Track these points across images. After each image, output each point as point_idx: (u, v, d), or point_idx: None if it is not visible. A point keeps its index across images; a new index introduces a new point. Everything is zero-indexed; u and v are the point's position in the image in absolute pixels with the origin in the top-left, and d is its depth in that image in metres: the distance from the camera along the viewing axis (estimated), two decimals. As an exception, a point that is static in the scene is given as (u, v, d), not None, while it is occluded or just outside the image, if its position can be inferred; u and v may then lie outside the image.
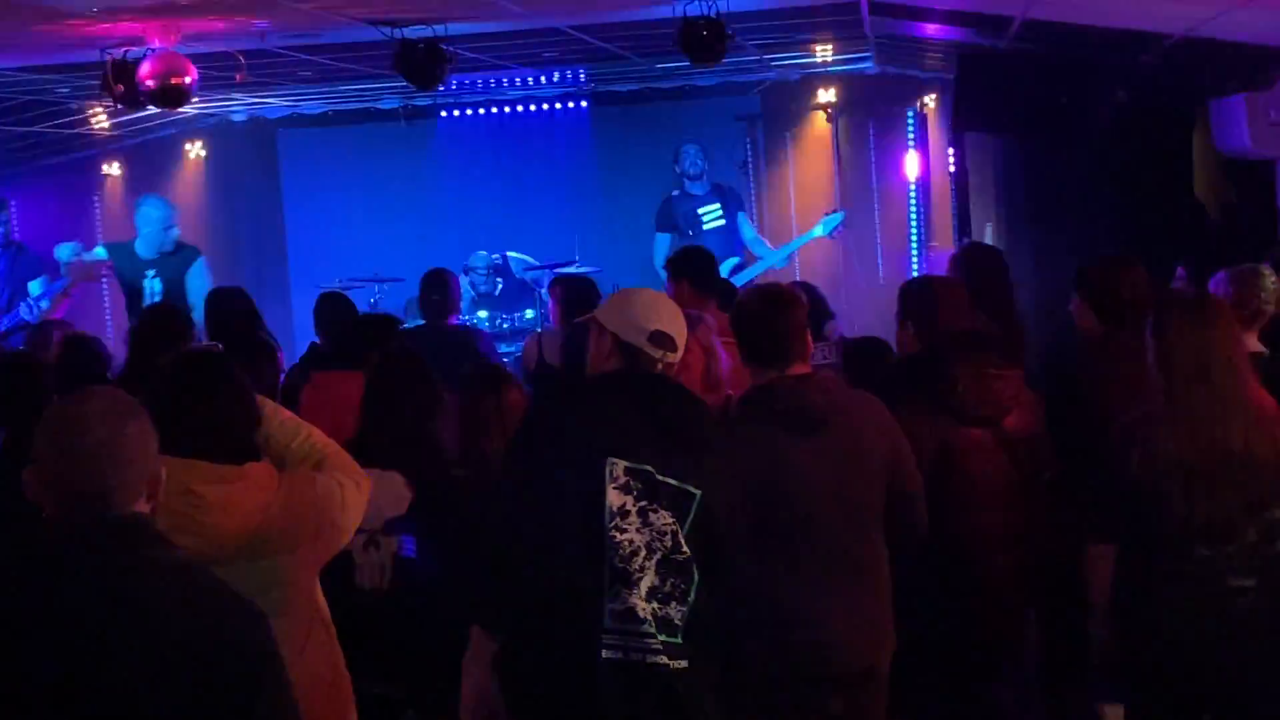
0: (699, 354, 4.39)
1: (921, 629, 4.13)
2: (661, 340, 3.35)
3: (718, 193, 10.32)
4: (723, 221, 10.16)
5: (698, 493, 3.22)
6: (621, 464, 3.18)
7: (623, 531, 3.17)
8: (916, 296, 4.92)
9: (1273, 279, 5.19)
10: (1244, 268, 5.51)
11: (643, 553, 3.18)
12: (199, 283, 8.76)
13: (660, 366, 3.35)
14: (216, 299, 6.59)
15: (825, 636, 3.79)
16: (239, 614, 2.51)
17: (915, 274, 11.39)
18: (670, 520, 3.20)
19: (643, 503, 3.19)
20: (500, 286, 10.96)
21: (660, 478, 3.20)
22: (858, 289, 11.14)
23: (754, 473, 3.66)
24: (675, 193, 10.34)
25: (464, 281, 11.20)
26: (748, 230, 10.41)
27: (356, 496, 3.40)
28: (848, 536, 3.85)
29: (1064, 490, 4.54)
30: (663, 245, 10.38)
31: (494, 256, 10.99)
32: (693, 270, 6.04)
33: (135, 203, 9.57)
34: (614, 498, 3.18)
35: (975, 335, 4.71)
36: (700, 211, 10.22)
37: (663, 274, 9.95)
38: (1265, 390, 3.92)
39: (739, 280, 9.83)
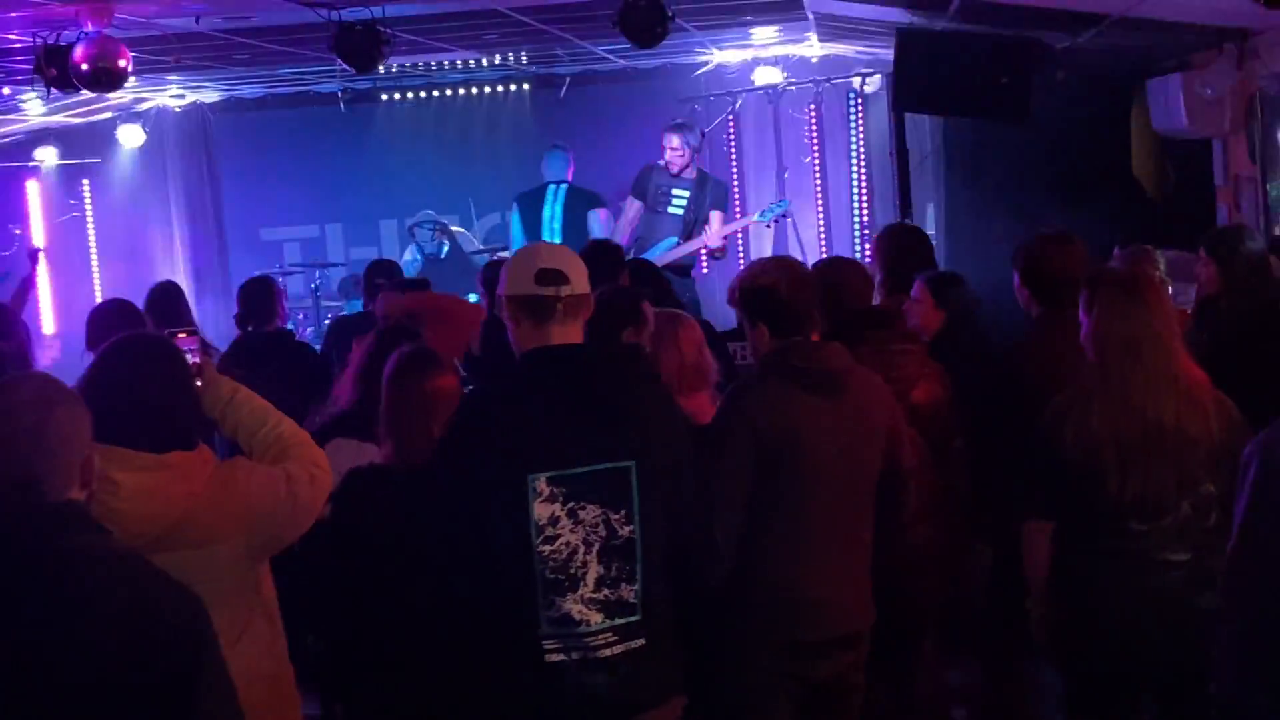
0: (674, 353, 4.40)
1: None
2: (547, 277, 3.31)
3: (699, 184, 10.18)
4: (681, 211, 10.10)
5: (630, 464, 3.24)
6: (543, 478, 3.19)
7: (553, 541, 3.21)
8: (821, 278, 4.96)
9: (1160, 259, 5.30)
10: (1133, 247, 5.63)
11: (580, 550, 3.22)
12: None
13: (561, 306, 3.30)
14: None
15: (824, 596, 3.83)
16: (175, 601, 2.49)
17: (859, 254, 11.44)
18: (598, 511, 3.23)
19: (570, 504, 3.22)
20: (446, 249, 10.91)
21: (586, 469, 3.22)
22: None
23: (770, 428, 3.75)
24: (659, 162, 10.22)
25: (410, 248, 11.18)
26: (713, 224, 10.19)
27: (309, 490, 3.34)
28: (849, 501, 3.90)
29: (981, 465, 4.62)
30: (629, 209, 10.34)
31: (440, 218, 10.92)
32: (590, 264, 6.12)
33: None
34: (540, 511, 3.20)
35: (878, 313, 4.82)
36: (674, 192, 10.14)
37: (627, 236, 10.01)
38: (1196, 364, 3.96)
39: (655, 253, 9.84)
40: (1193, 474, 3.81)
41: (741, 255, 11.67)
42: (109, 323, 6.03)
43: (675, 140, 9.98)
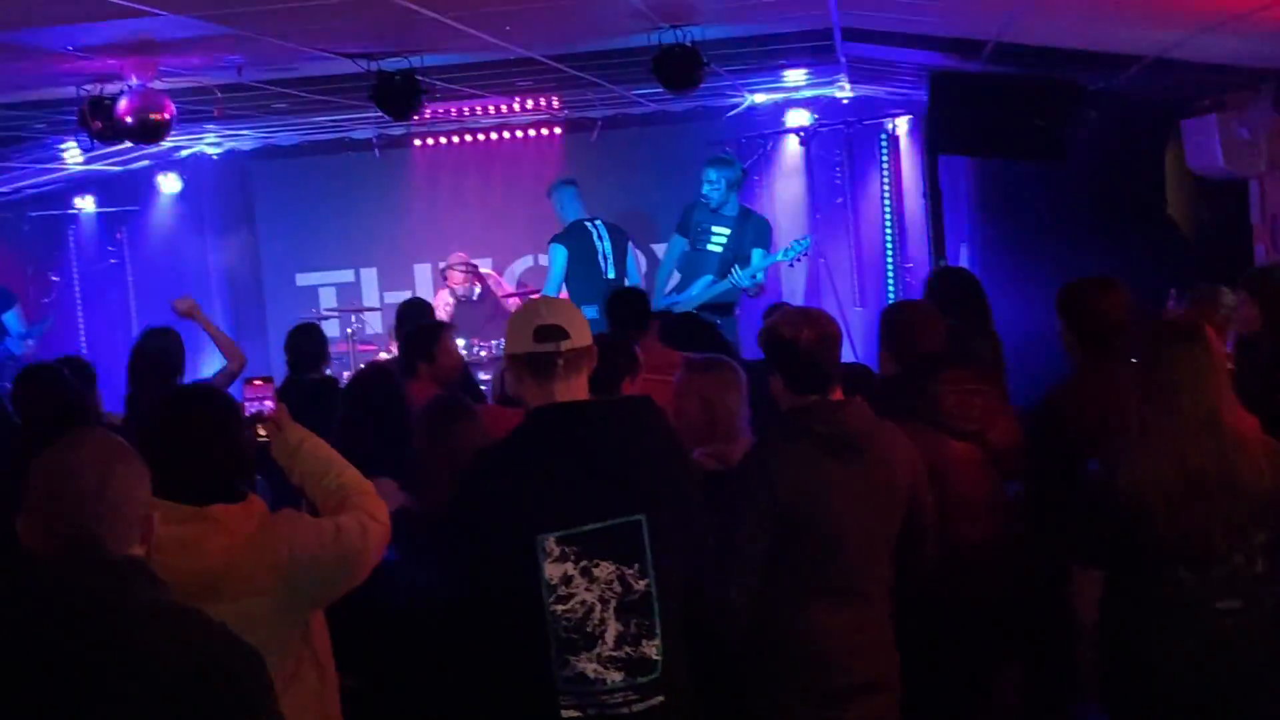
0: (695, 401, 4.39)
1: (917, 638, 4.15)
2: (545, 333, 3.30)
3: (739, 221, 10.20)
4: (721, 249, 10.13)
5: (641, 517, 3.23)
6: (553, 537, 3.17)
7: (566, 600, 3.19)
8: (892, 321, 4.97)
9: (1230, 298, 5.27)
10: (1204, 287, 5.60)
11: (597, 608, 3.21)
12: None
13: (562, 361, 3.28)
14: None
15: (845, 644, 3.82)
16: (235, 654, 2.51)
17: (892, 296, 11.44)
18: (612, 568, 3.21)
19: (584, 562, 3.20)
20: (478, 292, 10.97)
21: (597, 526, 3.20)
22: (834, 312, 11.13)
23: (788, 492, 3.73)
24: (701, 199, 10.30)
25: (443, 291, 11.24)
26: (756, 260, 10.17)
27: (360, 541, 3.35)
28: (869, 557, 3.88)
29: (1033, 510, 4.60)
30: (675, 246, 10.42)
31: (472, 260, 10.99)
32: (616, 315, 6.25)
33: None
34: (551, 571, 3.18)
35: (953, 354, 4.77)
36: (713, 229, 10.18)
37: (676, 274, 10.03)
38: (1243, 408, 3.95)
39: (692, 292, 9.87)
40: (1242, 522, 3.79)
41: (775, 297, 11.69)
42: (148, 365, 6.12)
43: (712, 174, 10.05)
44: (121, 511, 2.51)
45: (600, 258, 10.29)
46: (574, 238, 10.33)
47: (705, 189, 10.09)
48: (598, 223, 10.39)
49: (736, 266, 10.02)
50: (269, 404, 3.50)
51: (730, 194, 10.11)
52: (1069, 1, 5.62)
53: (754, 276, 10.00)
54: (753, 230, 10.15)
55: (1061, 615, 4.24)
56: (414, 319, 7.34)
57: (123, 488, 2.53)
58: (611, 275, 10.23)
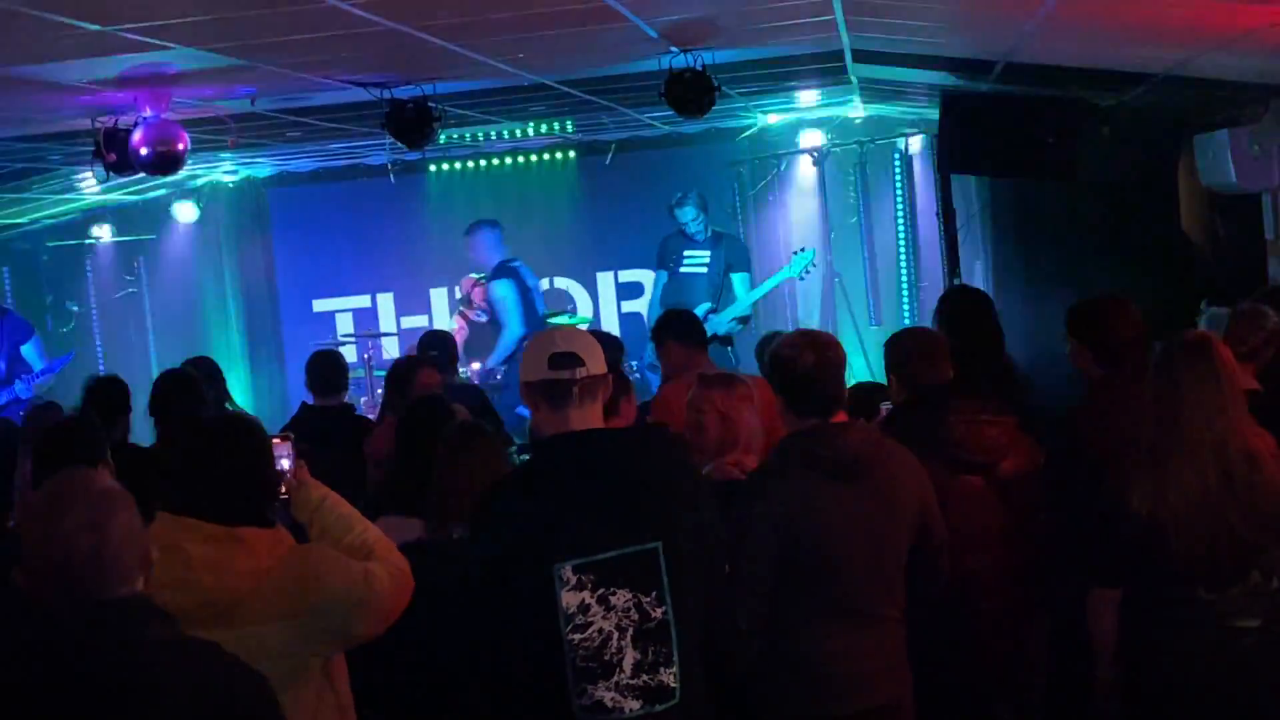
0: (714, 417, 4.45)
1: (923, 669, 4.15)
2: (561, 361, 3.30)
3: (712, 243, 10.32)
4: (703, 270, 10.20)
5: (657, 544, 3.22)
6: (569, 566, 3.17)
7: (584, 629, 3.18)
8: (897, 349, 4.97)
9: (1274, 318, 5.24)
10: (1246, 305, 5.54)
11: (615, 636, 3.20)
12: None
13: (577, 389, 3.28)
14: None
15: (854, 670, 3.83)
16: (246, 684, 2.53)
17: (907, 315, 11.44)
18: (629, 596, 3.20)
19: (600, 590, 3.19)
20: (486, 317, 11.03)
21: (613, 554, 3.19)
22: (849, 333, 11.17)
23: (792, 517, 3.75)
24: (673, 231, 10.42)
25: (456, 315, 11.30)
26: (739, 289, 10.34)
27: (390, 587, 3.36)
28: (876, 582, 3.89)
29: (1059, 534, 4.56)
30: (657, 281, 10.57)
31: (482, 279, 11.10)
32: (674, 331, 6.35)
33: None
34: (568, 600, 3.17)
35: (966, 383, 4.75)
36: (686, 253, 10.30)
37: (657, 308, 10.09)
38: (1262, 428, 3.94)
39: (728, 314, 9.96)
40: (1257, 540, 3.78)
41: (788, 316, 11.71)
42: (168, 391, 6.16)
43: (685, 214, 10.32)
44: (122, 553, 2.54)
45: (535, 293, 10.73)
46: (511, 275, 10.72)
47: (687, 226, 10.34)
48: (518, 261, 10.82)
49: (719, 315, 10.05)
50: (288, 461, 3.52)
51: (703, 217, 10.34)
52: (1076, 23, 5.62)
53: (740, 315, 10.17)
54: (726, 251, 10.28)
55: (1076, 642, 4.24)
56: (436, 348, 7.41)
57: (123, 532, 2.55)
58: (544, 310, 10.73)
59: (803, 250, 10.59)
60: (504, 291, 10.68)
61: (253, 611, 3.14)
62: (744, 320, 10.32)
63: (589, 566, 3.18)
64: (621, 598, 3.20)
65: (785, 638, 3.79)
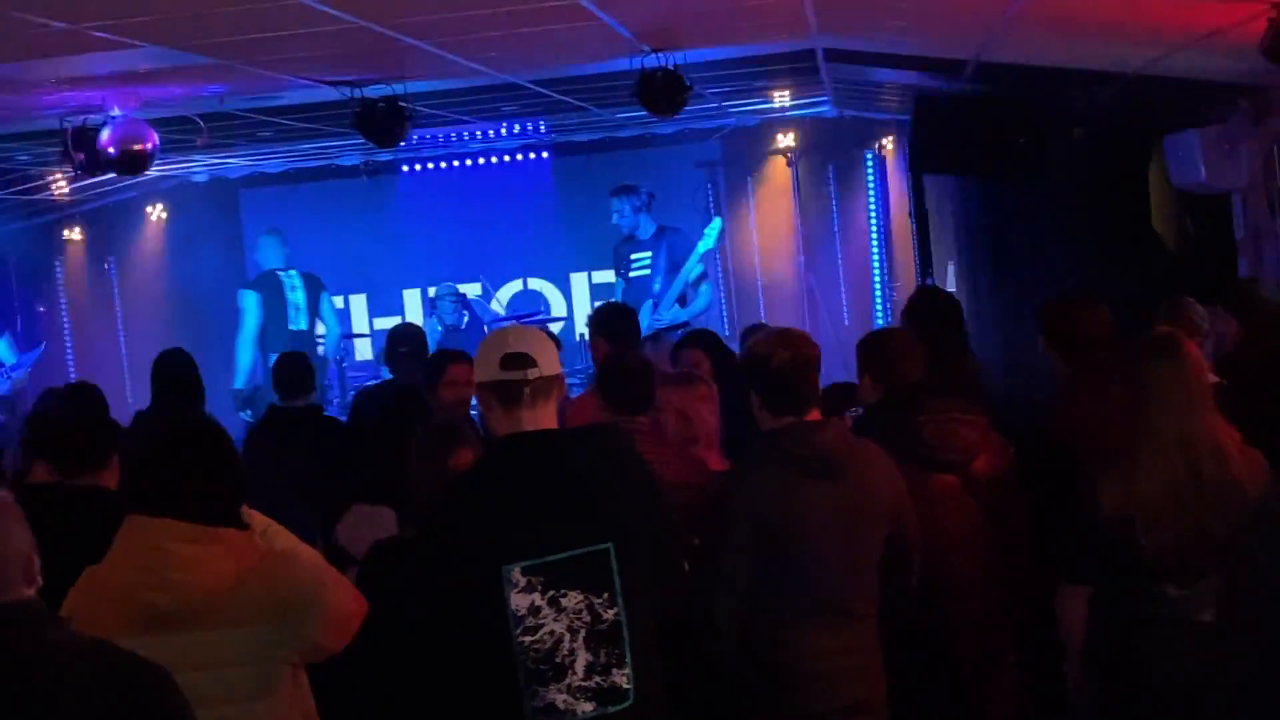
0: (672, 414, 4.50)
1: (898, 669, 4.16)
2: (512, 361, 3.28)
3: (654, 240, 10.18)
4: (647, 271, 10.14)
5: (609, 545, 3.21)
6: (518, 568, 3.14)
7: (535, 631, 3.16)
8: (871, 350, 4.97)
9: (1200, 309, 5.28)
10: (1169, 301, 5.62)
11: (566, 637, 3.18)
12: None
13: (529, 390, 3.26)
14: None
15: (829, 668, 3.82)
16: (146, 679, 2.52)
17: (880, 316, 11.47)
18: (580, 597, 3.18)
19: (550, 592, 3.17)
20: (466, 320, 10.96)
21: (564, 555, 3.17)
22: (823, 333, 11.19)
23: (769, 514, 3.74)
24: (623, 237, 10.37)
25: (432, 318, 11.24)
26: (676, 285, 10.05)
27: (348, 603, 3.35)
28: (851, 578, 3.88)
29: (1033, 532, 4.57)
30: (616, 288, 10.47)
31: (458, 289, 11.00)
32: (603, 328, 6.23)
33: None
34: (518, 602, 3.15)
35: (938, 383, 4.77)
36: (632, 257, 10.24)
37: None
38: (1226, 421, 3.96)
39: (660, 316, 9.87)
40: (1228, 535, 3.79)
41: (761, 318, 11.72)
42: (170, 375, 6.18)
43: (615, 204, 10.10)
44: (11, 562, 2.51)
45: (291, 308, 10.47)
46: (264, 286, 10.57)
47: (614, 219, 10.15)
48: (292, 273, 10.57)
49: (657, 308, 9.96)
50: None
51: (639, 217, 10.12)
52: (1044, 21, 5.65)
53: (680, 302, 9.97)
54: (669, 244, 10.13)
55: (1051, 636, 4.25)
56: (407, 343, 7.35)
57: (11, 544, 2.52)
58: (303, 326, 10.45)
59: (711, 221, 10.45)
60: (242, 303, 10.61)
61: (232, 613, 3.13)
62: (684, 316, 10.10)
63: (539, 568, 3.16)
64: (573, 599, 3.18)
65: (760, 635, 3.78)
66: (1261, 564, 2.75)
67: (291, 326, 10.39)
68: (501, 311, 11.99)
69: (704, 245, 10.07)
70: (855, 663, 3.88)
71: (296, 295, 10.49)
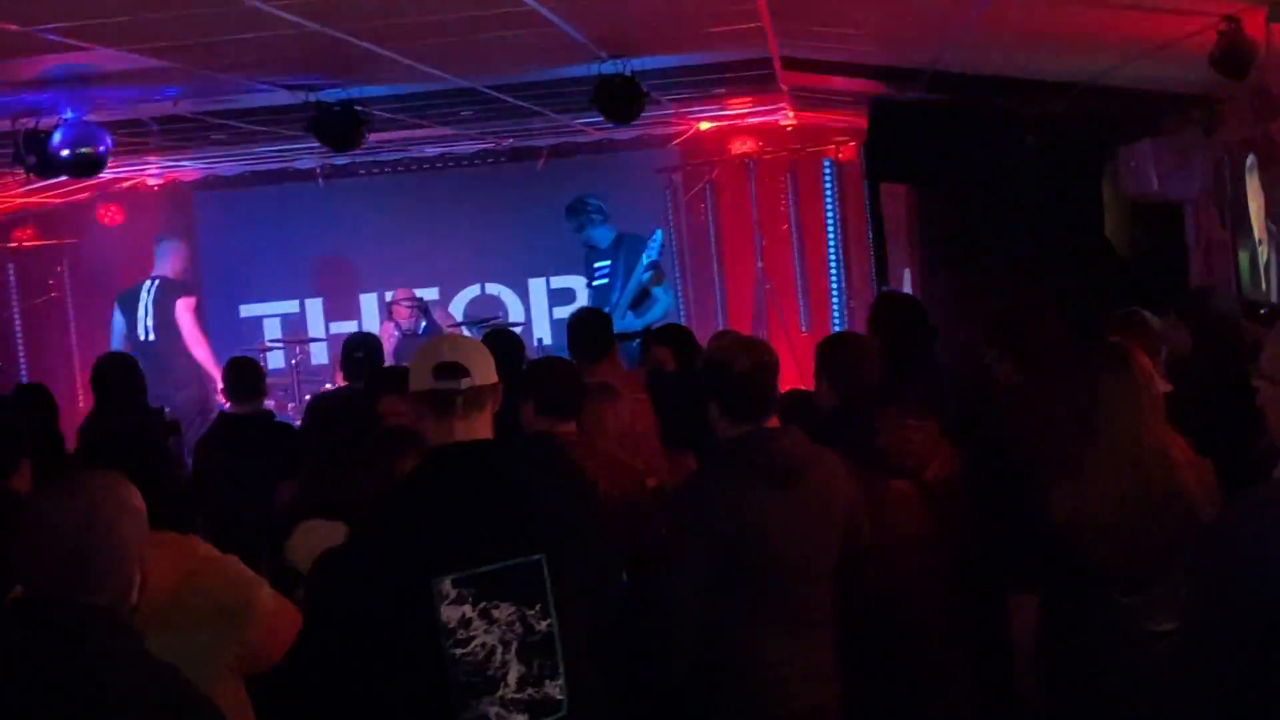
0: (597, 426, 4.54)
1: (854, 675, 4.17)
2: (445, 371, 3.25)
3: (614, 249, 10.21)
4: (606, 280, 10.17)
5: (540, 556, 3.19)
6: (448, 580, 3.11)
7: (466, 644, 3.13)
8: (829, 353, 4.98)
9: (1156, 320, 5.32)
10: (1124, 310, 5.66)
11: (499, 649, 3.15)
12: None
13: (461, 400, 3.23)
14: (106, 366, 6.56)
15: (784, 674, 3.82)
16: (198, 709, 2.50)
17: (837, 322, 11.51)
18: (511, 609, 3.16)
19: (481, 604, 3.14)
20: (424, 326, 10.92)
21: (495, 566, 3.15)
22: (780, 339, 11.21)
23: (726, 521, 3.74)
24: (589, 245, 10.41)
25: (389, 324, 11.19)
26: (627, 293, 10.09)
27: (287, 613, 3.33)
28: (807, 585, 3.89)
29: (984, 538, 4.59)
30: (589, 295, 10.50)
31: (417, 295, 10.95)
32: (570, 344, 6.23)
33: None
34: (448, 614, 3.11)
35: (892, 388, 4.78)
36: (595, 266, 10.28)
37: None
38: (1174, 429, 3.99)
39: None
40: (1173, 544, 3.81)
41: (720, 324, 11.73)
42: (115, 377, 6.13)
43: (570, 223, 10.23)
44: (102, 560, 2.53)
45: (139, 321, 10.48)
46: (127, 297, 10.57)
47: (582, 238, 10.28)
48: (154, 283, 10.53)
49: (631, 315, 9.97)
50: None
51: (593, 231, 10.22)
52: (997, 29, 5.69)
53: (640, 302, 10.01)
54: (627, 250, 10.15)
55: (1001, 641, 4.27)
56: (362, 349, 7.35)
57: (113, 541, 2.55)
58: (152, 338, 10.40)
59: (654, 232, 10.49)
60: (115, 319, 10.61)
61: (176, 618, 3.12)
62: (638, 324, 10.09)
63: (470, 580, 3.13)
64: (504, 611, 3.15)
65: (716, 642, 3.78)
66: (1222, 589, 2.75)
67: (146, 338, 10.37)
68: (459, 317, 11.97)
69: (648, 257, 10.11)
70: (811, 668, 3.89)
71: (143, 306, 10.49)
